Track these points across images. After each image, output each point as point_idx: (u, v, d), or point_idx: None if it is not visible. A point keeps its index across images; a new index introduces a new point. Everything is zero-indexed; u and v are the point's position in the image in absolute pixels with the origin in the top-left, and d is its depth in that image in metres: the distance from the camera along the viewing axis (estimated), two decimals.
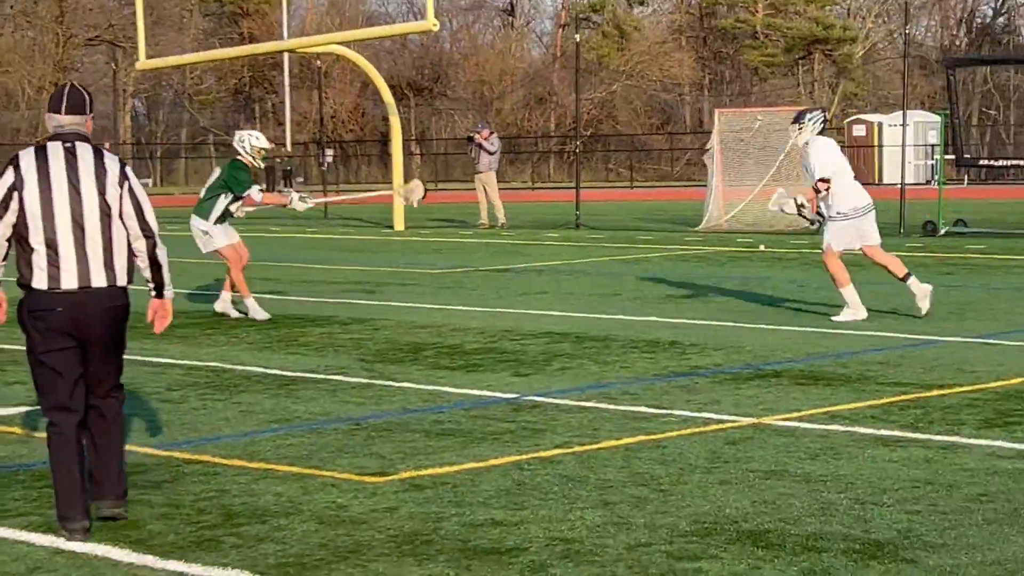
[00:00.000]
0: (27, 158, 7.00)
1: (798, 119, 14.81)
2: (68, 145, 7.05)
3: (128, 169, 7.18)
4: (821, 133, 14.69)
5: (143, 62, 32.82)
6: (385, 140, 66.23)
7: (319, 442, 8.93)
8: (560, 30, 79.78)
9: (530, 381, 11.19)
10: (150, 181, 68.84)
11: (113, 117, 60.54)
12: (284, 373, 11.77)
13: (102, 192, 7.00)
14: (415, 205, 18.43)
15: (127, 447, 8.71)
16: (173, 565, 6.36)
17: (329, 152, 58.05)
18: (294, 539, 6.73)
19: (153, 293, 7.24)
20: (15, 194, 6.92)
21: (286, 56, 65.64)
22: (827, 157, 14.48)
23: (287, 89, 70.48)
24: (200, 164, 74.40)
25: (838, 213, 14.54)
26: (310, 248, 27.41)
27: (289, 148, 67.58)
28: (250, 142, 15.73)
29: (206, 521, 7.06)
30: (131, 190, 7.09)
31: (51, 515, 7.15)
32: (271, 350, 13.15)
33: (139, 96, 78.03)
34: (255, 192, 15.68)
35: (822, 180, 14.36)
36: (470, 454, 8.51)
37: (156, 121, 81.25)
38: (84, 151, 7.05)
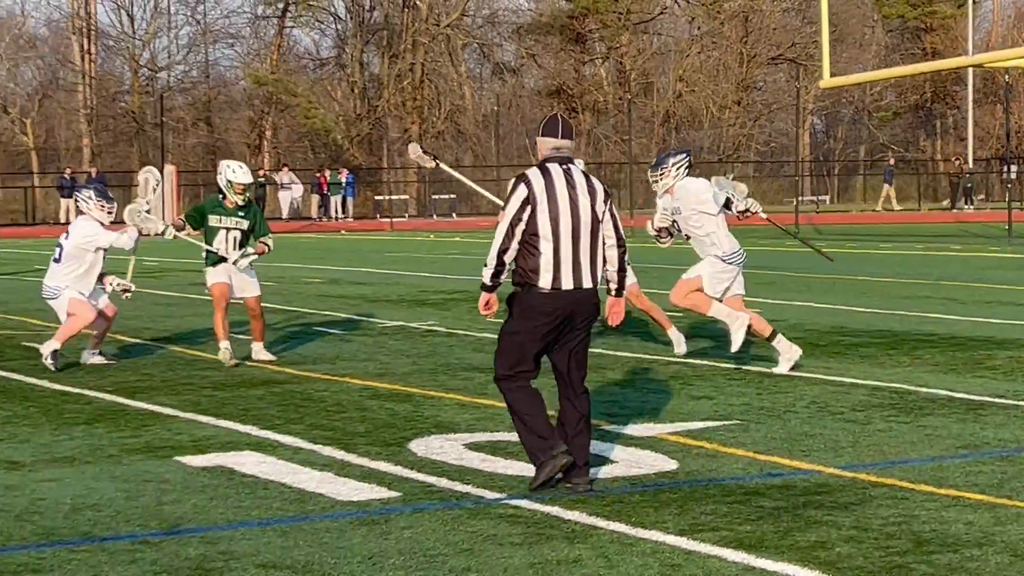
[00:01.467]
0: (536, 177, 8.11)
1: (660, 164, 13.03)
2: (565, 167, 8.18)
3: (606, 188, 8.30)
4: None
5: (827, 80, 32.82)
6: None
7: (1011, 471, 8.61)
8: None
9: None
10: (827, 198, 69.08)
11: (794, 135, 61.16)
12: (971, 397, 11.44)
13: (593, 207, 8.15)
14: None
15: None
16: None
17: (1013, 168, 56.35)
18: (987, 571, 6.50)
19: (613, 292, 8.37)
20: (528, 207, 8.05)
21: (970, 71, 64.29)
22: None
23: (970, 104, 69.02)
24: (876, 181, 74.05)
25: (727, 254, 12.84)
26: (997, 268, 26.65)
27: (971, 164, 66.11)
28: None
29: (895, 547, 6.94)
30: (610, 207, 8.25)
31: (743, 531, 7.25)
32: (956, 372, 12.83)
33: (818, 113, 78.55)
34: None
35: (748, 212, 12.77)
36: None
37: (834, 138, 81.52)
38: (576, 172, 8.22)
